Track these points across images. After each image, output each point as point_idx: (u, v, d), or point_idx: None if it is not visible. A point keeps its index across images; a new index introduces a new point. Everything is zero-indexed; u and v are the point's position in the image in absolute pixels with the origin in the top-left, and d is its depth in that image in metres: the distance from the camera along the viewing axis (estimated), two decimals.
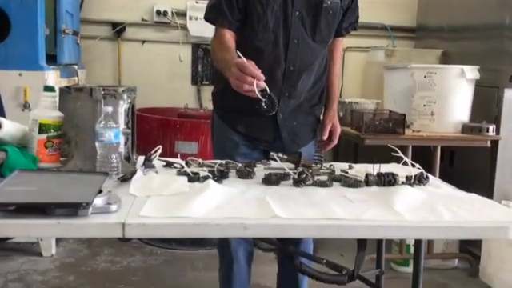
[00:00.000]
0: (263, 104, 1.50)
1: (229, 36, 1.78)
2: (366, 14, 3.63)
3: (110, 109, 1.47)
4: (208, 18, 1.84)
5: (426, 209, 1.29)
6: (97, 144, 1.46)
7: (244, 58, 1.50)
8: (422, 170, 1.63)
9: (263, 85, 1.47)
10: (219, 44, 1.77)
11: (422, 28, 4.08)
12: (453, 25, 3.62)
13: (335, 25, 1.86)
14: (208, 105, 3.68)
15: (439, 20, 3.80)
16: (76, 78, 3.36)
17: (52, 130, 1.56)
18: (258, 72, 1.47)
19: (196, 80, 4.07)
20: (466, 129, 2.91)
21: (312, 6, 1.78)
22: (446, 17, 3.69)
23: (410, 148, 2.79)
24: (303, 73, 1.85)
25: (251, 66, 1.47)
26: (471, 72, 2.90)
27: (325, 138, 2.04)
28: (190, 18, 3.90)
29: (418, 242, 1.45)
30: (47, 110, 1.58)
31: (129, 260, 2.99)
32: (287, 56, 1.81)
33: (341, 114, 3.17)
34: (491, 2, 3.17)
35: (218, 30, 1.81)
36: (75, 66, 3.40)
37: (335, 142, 2.07)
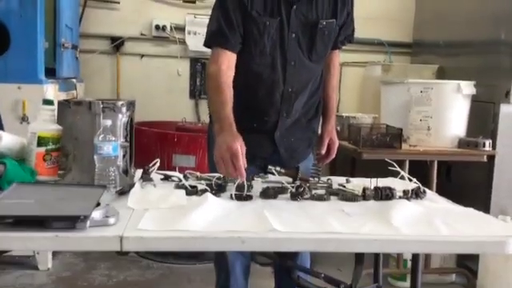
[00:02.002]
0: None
1: (228, 73, 1.73)
2: (363, 30, 3.71)
3: (108, 122, 1.48)
4: (209, 43, 1.80)
5: (424, 223, 1.29)
6: (95, 157, 1.47)
7: (241, 142, 1.53)
8: (419, 185, 1.63)
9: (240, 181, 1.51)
10: (215, 81, 1.72)
11: (418, 43, 4.12)
12: (449, 40, 3.66)
13: (331, 43, 1.88)
14: (206, 118, 3.69)
15: (435, 36, 3.84)
16: (75, 92, 3.37)
17: (50, 143, 1.56)
18: (243, 171, 1.50)
19: (194, 94, 4.08)
20: (462, 143, 2.93)
21: (308, 27, 1.78)
22: (442, 32, 3.72)
23: (407, 162, 2.80)
24: (300, 92, 1.86)
25: (242, 159, 1.50)
26: (467, 87, 2.93)
27: (323, 152, 2.04)
28: (189, 33, 3.93)
29: (415, 256, 1.45)
30: (46, 123, 1.58)
31: (125, 274, 2.98)
32: (285, 78, 1.82)
33: (338, 128, 3.18)
34: (487, 17, 3.21)
35: (217, 53, 1.77)
36: (74, 80, 3.42)
37: (333, 155, 2.07)
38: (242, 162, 1.50)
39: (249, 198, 1.49)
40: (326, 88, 2.03)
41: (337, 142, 2.07)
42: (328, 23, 1.81)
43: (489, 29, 3.19)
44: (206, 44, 1.83)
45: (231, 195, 1.50)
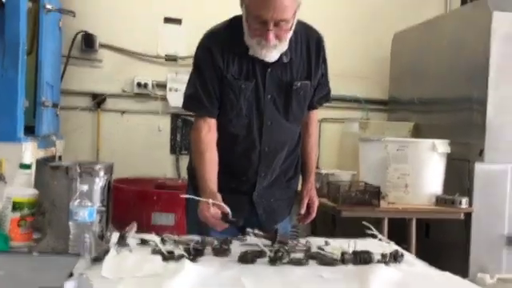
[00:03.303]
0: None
1: (208, 139, 1.82)
2: (340, 87, 3.82)
3: (85, 187, 1.47)
4: (187, 107, 1.88)
5: None
6: (70, 223, 1.44)
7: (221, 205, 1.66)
8: (397, 248, 1.64)
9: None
10: (197, 147, 1.83)
11: (394, 101, 4.23)
12: (423, 97, 3.77)
13: (306, 104, 1.92)
14: (186, 174, 3.69)
15: (410, 93, 3.95)
16: (54, 149, 3.35)
17: (26, 209, 1.54)
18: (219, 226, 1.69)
19: (175, 149, 4.10)
20: (439, 201, 2.97)
21: (283, 88, 1.83)
22: (417, 90, 3.84)
23: (386, 220, 2.82)
24: (278, 153, 1.89)
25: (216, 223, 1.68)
26: (442, 146, 3.00)
27: (302, 212, 2.04)
28: (170, 90, 3.99)
29: None
30: (22, 188, 1.57)
31: None
32: (262, 138, 1.85)
33: (317, 186, 3.20)
34: (459, 76, 3.32)
35: (197, 121, 1.86)
36: (53, 137, 3.40)
37: (313, 215, 2.06)
38: (217, 224, 1.67)
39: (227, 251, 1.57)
40: (305, 147, 2.06)
41: (316, 201, 2.07)
42: (302, 84, 1.86)
43: (461, 86, 3.31)
44: (184, 107, 1.89)
45: (212, 249, 1.57)
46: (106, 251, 1.48)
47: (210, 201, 1.65)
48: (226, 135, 1.83)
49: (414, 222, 2.93)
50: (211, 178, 1.77)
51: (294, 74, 1.84)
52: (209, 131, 1.82)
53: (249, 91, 1.80)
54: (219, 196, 1.70)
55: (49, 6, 3.06)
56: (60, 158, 3.51)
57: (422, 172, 2.99)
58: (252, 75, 1.80)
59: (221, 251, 1.58)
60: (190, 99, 1.85)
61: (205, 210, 1.67)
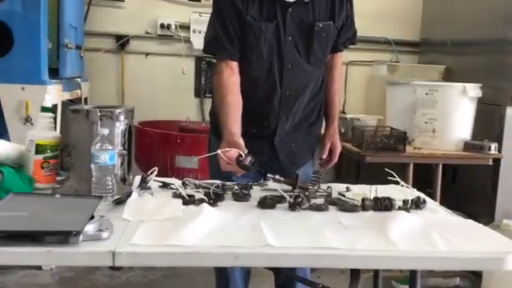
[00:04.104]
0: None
1: (231, 82, 1.77)
2: (369, 28, 3.69)
3: (106, 131, 1.47)
4: (208, 51, 1.84)
5: (422, 238, 1.27)
6: (92, 166, 1.46)
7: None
8: (419, 194, 1.61)
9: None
10: (220, 92, 1.78)
11: (425, 43, 4.08)
12: (456, 40, 3.62)
13: (329, 46, 1.86)
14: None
15: (442, 35, 3.79)
16: (79, 91, 3.38)
17: (48, 151, 1.56)
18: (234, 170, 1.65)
19: (199, 93, 4.08)
20: (467, 147, 2.90)
21: (304, 29, 1.77)
22: (450, 32, 3.68)
23: (411, 165, 2.78)
24: (299, 96, 1.85)
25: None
26: (473, 90, 2.89)
27: (324, 156, 2.03)
28: (194, 32, 3.92)
29: (413, 272, 1.43)
30: (44, 131, 1.59)
31: (128, 275, 2.99)
32: (282, 82, 1.80)
33: (342, 130, 3.16)
34: (495, 17, 3.17)
35: (219, 64, 1.80)
36: (78, 79, 3.42)
37: (335, 160, 2.05)
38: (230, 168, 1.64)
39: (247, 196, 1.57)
40: (329, 91, 2.01)
41: (339, 147, 2.05)
42: (325, 25, 1.79)
43: (496, 28, 3.15)
44: (205, 51, 1.85)
45: (232, 194, 1.57)
46: (128, 194, 1.50)
47: (219, 151, 1.63)
48: (247, 79, 1.79)
49: (440, 168, 2.88)
50: (234, 121, 1.74)
51: (316, 14, 1.77)
52: (231, 74, 1.78)
53: (269, 32, 1.74)
54: (241, 140, 1.68)
55: None
56: (86, 100, 3.55)
57: (450, 117, 2.90)
58: (272, 16, 1.74)
59: (240, 196, 1.58)
60: (210, 42, 1.81)
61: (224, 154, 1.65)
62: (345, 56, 2.07)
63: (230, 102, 1.76)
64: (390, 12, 4.09)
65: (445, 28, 3.77)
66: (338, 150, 2.04)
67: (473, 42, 3.45)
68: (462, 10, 3.53)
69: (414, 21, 4.15)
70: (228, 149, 1.64)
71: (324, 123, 2.06)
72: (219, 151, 1.63)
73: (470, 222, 1.46)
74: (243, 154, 1.62)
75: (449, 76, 3.58)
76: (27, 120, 2.78)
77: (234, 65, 1.79)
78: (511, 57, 3.00)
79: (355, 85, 4.08)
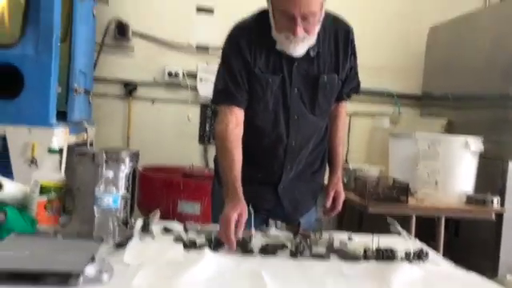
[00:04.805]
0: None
1: (235, 131, 1.74)
2: (371, 80, 3.76)
3: (110, 173, 1.49)
4: (218, 101, 1.82)
5: None
6: (95, 208, 1.47)
7: (240, 211, 1.56)
8: (422, 246, 1.60)
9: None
10: (222, 141, 1.75)
11: (427, 96, 4.14)
12: (458, 93, 3.68)
13: (334, 97, 1.89)
14: (213, 164, 3.71)
15: (444, 88, 3.86)
16: (85, 135, 3.42)
17: (53, 192, 1.57)
18: (231, 239, 1.51)
19: (203, 139, 4.12)
20: (470, 200, 2.89)
21: (309, 82, 1.80)
22: (451, 85, 3.75)
23: (414, 217, 2.77)
24: (304, 146, 1.87)
25: (232, 229, 1.52)
26: (475, 144, 2.92)
27: (328, 205, 2.01)
28: (201, 80, 4.00)
29: None
30: (49, 172, 1.60)
31: None
32: (289, 133, 1.83)
33: (345, 180, 3.17)
34: (496, 72, 3.23)
35: (222, 113, 1.79)
36: (85, 123, 3.47)
37: (339, 208, 2.02)
38: (233, 231, 1.51)
39: (250, 251, 1.50)
40: (333, 140, 2.02)
41: (343, 195, 2.04)
42: (329, 78, 1.83)
43: (498, 83, 3.21)
44: (214, 102, 1.86)
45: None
46: (130, 237, 1.49)
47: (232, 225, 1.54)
48: (253, 128, 1.82)
49: (443, 221, 2.87)
50: (237, 178, 1.70)
51: (320, 67, 1.81)
52: (236, 126, 1.76)
53: (276, 85, 1.78)
54: (244, 204, 1.62)
55: None
56: (92, 144, 3.58)
57: (453, 170, 2.92)
58: (279, 69, 1.78)
59: (241, 244, 1.57)
60: (219, 92, 1.81)
61: (230, 216, 1.55)
62: (348, 107, 2.11)
63: (234, 159, 1.73)
64: (392, 65, 4.19)
65: (446, 82, 3.84)
66: (342, 198, 2.03)
67: (474, 96, 3.50)
68: (463, 64, 3.61)
69: (416, 74, 4.23)
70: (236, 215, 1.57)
71: (328, 172, 2.07)
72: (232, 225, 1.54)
73: (473, 275, 1.44)
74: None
75: (451, 129, 3.62)
76: (32, 162, 2.80)
77: (240, 115, 1.78)
78: None
79: (358, 135, 4.12)
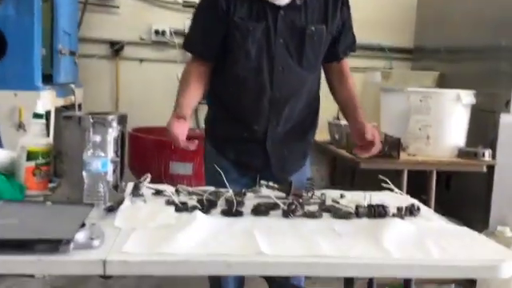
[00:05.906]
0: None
1: (196, 71, 1.83)
2: (363, 34, 3.63)
3: (98, 138, 1.46)
4: (184, 48, 1.93)
5: (416, 245, 1.26)
6: (84, 173, 1.45)
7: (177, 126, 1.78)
8: (414, 201, 1.61)
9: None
10: (183, 76, 1.86)
11: (419, 49, 4.09)
12: (450, 46, 3.63)
13: (322, 51, 1.84)
14: (204, 124, 3.68)
15: (436, 41, 3.81)
16: (73, 97, 3.36)
17: (40, 158, 1.55)
18: (180, 144, 1.79)
19: None
20: (461, 153, 2.90)
21: (296, 33, 1.77)
22: (443, 38, 3.70)
23: (406, 172, 2.78)
24: (290, 99, 1.83)
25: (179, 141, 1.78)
26: (467, 97, 2.90)
27: (368, 136, 1.83)
28: None
29: (407, 279, 1.43)
30: (36, 137, 1.57)
31: (121, 283, 2.96)
32: (272, 83, 1.79)
33: (336, 137, 3.16)
34: (487, 23, 3.18)
35: (191, 58, 1.88)
36: (72, 85, 3.40)
37: (378, 144, 1.86)
38: (178, 137, 1.78)
39: (239, 214, 1.48)
40: (344, 89, 1.94)
41: (376, 132, 1.89)
42: (317, 29, 1.78)
43: (490, 35, 3.17)
44: (183, 47, 1.94)
45: (221, 211, 1.48)
46: (121, 201, 1.48)
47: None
48: (234, 79, 1.80)
49: (434, 174, 2.88)
50: (187, 97, 1.81)
51: (308, 17, 1.76)
52: (200, 65, 1.84)
53: (258, 33, 1.74)
54: (189, 113, 1.83)
55: None
56: (80, 106, 3.53)
57: (444, 123, 2.91)
58: (263, 17, 1.75)
59: (233, 203, 1.56)
60: (187, 40, 1.92)
61: (174, 125, 1.77)
62: None
63: (190, 84, 1.82)
64: (384, 19, 4.11)
65: (438, 35, 3.78)
66: (378, 134, 1.89)
67: (466, 48, 3.46)
68: (455, 16, 3.55)
69: (408, 27, 4.16)
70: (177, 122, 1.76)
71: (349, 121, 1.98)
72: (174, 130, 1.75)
73: (465, 229, 1.45)
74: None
75: (443, 82, 3.59)
76: (20, 126, 2.76)
77: (204, 65, 1.84)
78: (504, 63, 3.01)
79: None
